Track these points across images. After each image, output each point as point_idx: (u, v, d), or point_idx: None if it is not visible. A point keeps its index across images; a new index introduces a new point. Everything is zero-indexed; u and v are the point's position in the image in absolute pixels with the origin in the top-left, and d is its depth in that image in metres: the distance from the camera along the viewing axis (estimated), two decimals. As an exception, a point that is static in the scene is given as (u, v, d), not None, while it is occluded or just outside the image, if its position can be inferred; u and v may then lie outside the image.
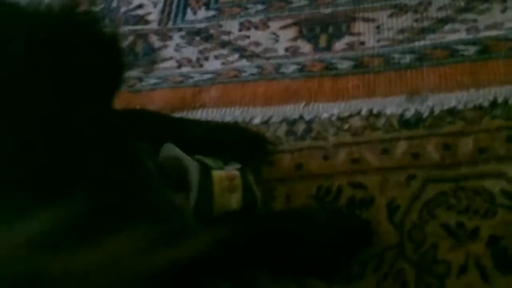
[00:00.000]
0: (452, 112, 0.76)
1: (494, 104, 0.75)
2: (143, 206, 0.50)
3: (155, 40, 0.98)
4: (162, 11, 1.01)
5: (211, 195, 0.68)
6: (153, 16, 1.02)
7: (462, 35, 0.84)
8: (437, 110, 0.76)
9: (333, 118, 0.79)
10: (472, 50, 0.81)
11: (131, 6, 1.04)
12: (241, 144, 0.78)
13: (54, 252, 0.38)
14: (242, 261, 0.63)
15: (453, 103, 0.76)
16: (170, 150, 0.72)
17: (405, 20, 0.88)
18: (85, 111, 0.49)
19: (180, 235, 0.49)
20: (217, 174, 0.70)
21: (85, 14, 0.57)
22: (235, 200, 0.69)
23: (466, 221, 0.67)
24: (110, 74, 0.54)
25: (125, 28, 1.01)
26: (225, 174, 0.70)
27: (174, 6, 1.01)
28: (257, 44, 0.92)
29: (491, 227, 0.66)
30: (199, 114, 0.85)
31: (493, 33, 0.82)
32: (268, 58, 0.90)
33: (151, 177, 0.63)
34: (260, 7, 0.97)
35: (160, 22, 1.01)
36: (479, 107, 0.75)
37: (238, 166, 0.72)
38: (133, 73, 0.93)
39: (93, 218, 0.42)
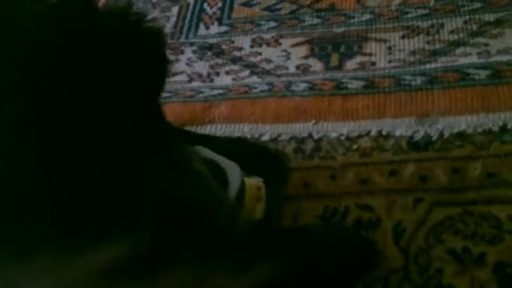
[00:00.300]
0: (461, 135, 0.76)
1: (504, 129, 0.75)
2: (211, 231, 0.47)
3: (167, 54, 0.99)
4: (175, 25, 1.02)
5: (243, 201, 0.68)
6: (166, 30, 1.02)
7: (474, 59, 0.84)
8: (446, 134, 0.76)
9: (342, 138, 0.80)
10: (483, 74, 0.81)
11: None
12: (262, 160, 0.78)
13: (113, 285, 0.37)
14: None
15: (462, 126, 0.76)
16: (204, 152, 0.70)
17: (417, 42, 0.88)
18: (138, 114, 0.44)
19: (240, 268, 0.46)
20: (247, 181, 0.69)
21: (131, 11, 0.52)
22: (259, 210, 0.69)
23: (472, 246, 0.67)
24: (156, 69, 0.50)
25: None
26: (254, 182, 0.70)
27: (187, 21, 1.02)
28: (268, 61, 0.93)
29: (497, 253, 0.66)
30: (208, 129, 0.86)
31: (505, 58, 0.82)
32: (279, 76, 0.90)
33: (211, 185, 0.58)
34: (272, 24, 0.98)
35: (172, 36, 1.01)
36: (489, 132, 0.75)
37: (260, 179, 0.72)
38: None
39: (156, 251, 0.39)
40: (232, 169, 0.68)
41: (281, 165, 0.78)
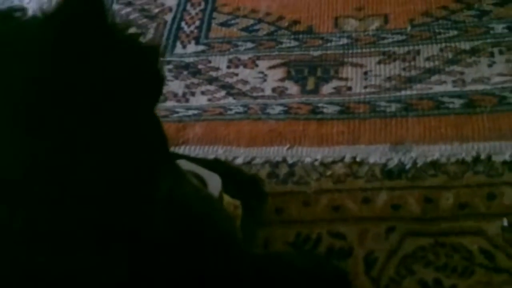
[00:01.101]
0: (435, 164, 0.76)
1: (476, 159, 0.75)
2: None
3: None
4: (152, 43, 1.01)
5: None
6: (142, 47, 1.01)
7: (449, 87, 0.84)
8: (420, 162, 0.76)
9: (316, 163, 0.79)
10: (457, 103, 0.81)
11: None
12: (240, 183, 0.77)
13: None
14: None
15: (436, 155, 0.76)
16: (185, 165, 0.69)
17: (393, 68, 0.88)
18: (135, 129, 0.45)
19: None
20: (225, 196, 0.68)
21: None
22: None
23: (443, 278, 0.66)
24: (152, 84, 0.50)
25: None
26: (232, 200, 0.69)
27: (164, 39, 1.01)
28: (244, 82, 0.92)
29: (468, 286, 0.65)
30: (182, 151, 0.85)
31: (480, 87, 0.83)
32: (255, 98, 0.89)
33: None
34: (250, 45, 0.97)
35: (149, 53, 1.00)
36: (462, 162, 0.75)
37: (237, 201, 0.71)
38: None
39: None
40: (213, 180, 0.67)
41: (259, 189, 0.78)
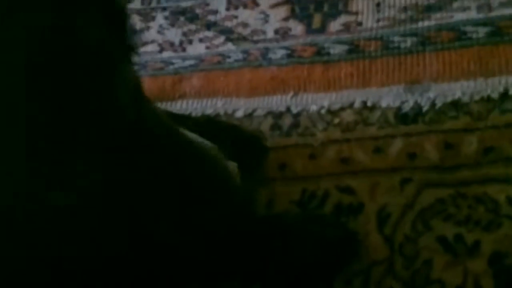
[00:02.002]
0: (456, 105, 0.67)
1: (504, 96, 0.66)
2: None
3: (137, 21, 0.90)
4: (145, -11, 0.93)
5: None
6: (136, -5, 0.94)
7: (472, 14, 0.74)
8: (439, 103, 0.67)
9: (323, 111, 0.71)
10: (482, 32, 0.71)
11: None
12: (237, 142, 0.71)
13: None
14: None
15: (457, 94, 0.67)
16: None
17: (409, -4, 0.78)
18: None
19: None
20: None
21: None
22: None
23: (465, 233, 0.59)
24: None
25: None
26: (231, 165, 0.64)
27: (158, -17, 0.93)
28: (245, 25, 0.84)
29: (494, 241, 0.58)
30: (179, 105, 0.78)
31: (508, 11, 0.72)
32: (256, 42, 0.81)
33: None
34: (250, -18, 0.88)
35: (143, 0, 0.93)
36: (487, 99, 0.66)
37: (234, 163, 0.66)
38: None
39: None
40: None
41: (259, 145, 0.71)
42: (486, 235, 0.58)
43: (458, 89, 0.68)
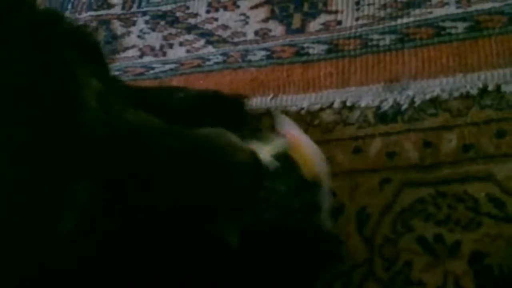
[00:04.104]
0: (435, 102, 0.66)
1: (483, 91, 0.65)
2: None
3: (118, 26, 0.90)
4: (125, -6, 0.93)
5: None
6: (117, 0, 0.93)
7: (451, 9, 0.72)
8: (418, 101, 0.66)
9: (303, 112, 0.71)
10: (461, 27, 0.70)
11: (93, -11, 0.96)
12: (220, 110, 0.70)
13: None
14: None
15: (436, 91, 0.66)
16: None
17: (388, -6, 0.77)
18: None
19: None
20: None
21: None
22: None
23: (445, 233, 0.58)
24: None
25: (87, 15, 0.93)
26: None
27: (137, -13, 0.92)
28: (225, 27, 0.83)
29: (474, 241, 0.57)
30: (160, 110, 0.78)
31: (487, 5, 0.71)
32: (236, 44, 0.80)
33: None
34: (229, -16, 0.88)
35: (124, 5, 0.92)
36: (466, 96, 0.65)
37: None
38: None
39: None
40: None
41: (240, 113, 0.71)
42: (466, 234, 0.57)
43: (437, 86, 0.67)
